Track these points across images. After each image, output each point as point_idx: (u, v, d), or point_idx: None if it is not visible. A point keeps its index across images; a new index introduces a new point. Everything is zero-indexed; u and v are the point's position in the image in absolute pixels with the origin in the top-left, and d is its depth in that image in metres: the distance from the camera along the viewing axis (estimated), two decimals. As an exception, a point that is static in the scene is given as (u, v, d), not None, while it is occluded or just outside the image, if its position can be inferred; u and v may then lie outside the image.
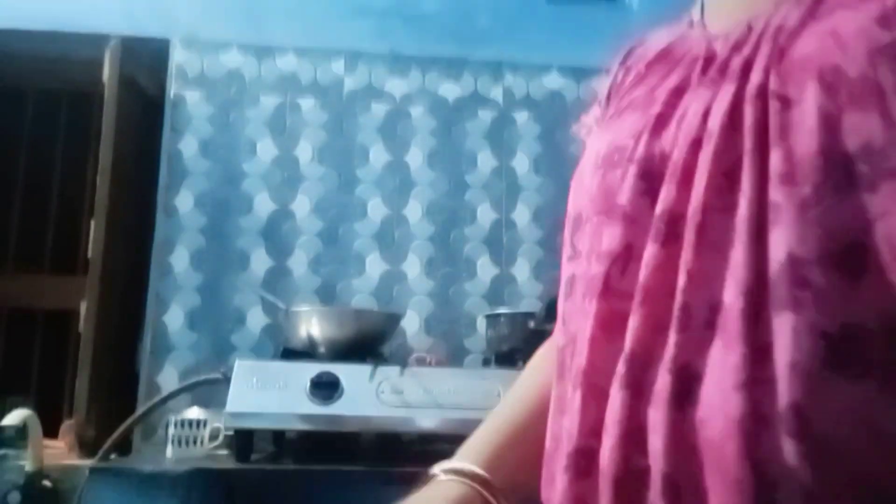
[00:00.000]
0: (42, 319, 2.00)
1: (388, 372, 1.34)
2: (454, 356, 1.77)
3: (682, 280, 0.38)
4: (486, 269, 1.83)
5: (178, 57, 1.87)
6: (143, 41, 1.86)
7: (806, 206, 0.35)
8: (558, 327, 0.52)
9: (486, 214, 1.87)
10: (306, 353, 1.46)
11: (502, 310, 1.66)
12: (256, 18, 1.93)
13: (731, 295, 0.36)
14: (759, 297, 0.35)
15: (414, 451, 1.37)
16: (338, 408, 1.28)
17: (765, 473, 0.32)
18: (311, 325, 1.45)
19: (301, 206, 1.83)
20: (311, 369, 1.32)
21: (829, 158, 0.35)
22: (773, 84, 0.39)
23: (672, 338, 0.38)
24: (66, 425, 1.52)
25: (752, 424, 0.33)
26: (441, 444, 1.31)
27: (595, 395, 0.41)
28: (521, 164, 1.91)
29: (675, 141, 0.43)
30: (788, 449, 0.32)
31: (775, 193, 0.36)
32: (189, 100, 1.85)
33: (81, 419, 1.53)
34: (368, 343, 1.49)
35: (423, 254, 1.83)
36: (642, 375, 0.39)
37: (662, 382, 0.37)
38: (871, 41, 0.35)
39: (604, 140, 0.51)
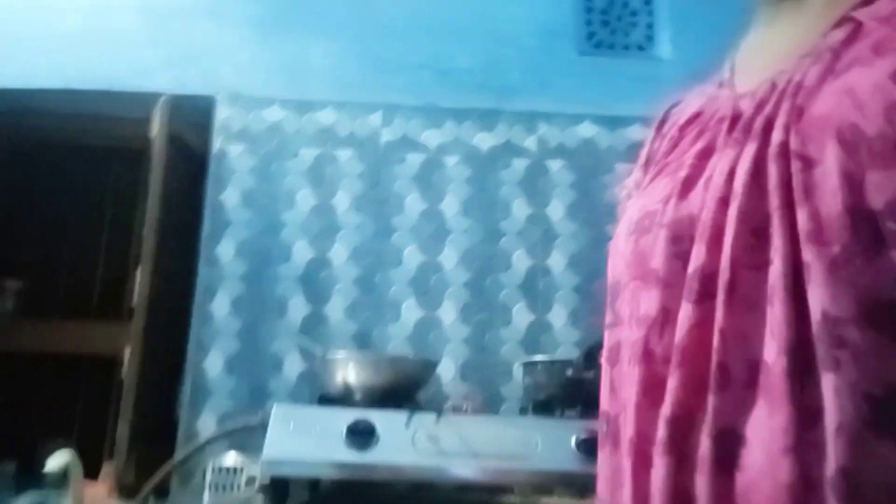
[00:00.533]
0: (88, 365, 2.05)
1: (424, 419, 1.34)
2: (490, 403, 1.75)
3: (716, 339, 0.38)
4: (521, 316, 1.83)
5: (223, 113, 1.95)
6: (190, 99, 1.95)
7: (836, 265, 0.34)
8: (607, 396, 0.50)
9: (521, 261, 1.88)
10: (342, 399, 1.46)
11: (539, 357, 1.65)
12: (297, 75, 2.01)
13: (773, 353, 0.35)
14: (803, 355, 0.34)
15: (450, 501, 1.35)
16: (373, 455, 1.28)
17: None
18: (348, 371, 1.46)
19: (338, 253, 1.86)
20: (347, 416, 1.32)
21: (855, 217, 0.34)
22: (793, 143, 0.39)
23: (711, 400, 0.37)
24: (107, 468, 1.54)
25: (802, 490, 0.32)
26: (477, 494, 1.29)
27: (644, 464, 0.40)
28: (556, 211, 1.92)
29: (703, 202, 0.43)
30: None
31: (805, 252, 0.36)
32: (232, 153, 1.92)
33: (121, 463, 1.55)
34: (404, 390, 1.49)
35: (458, 300, 1.84)
36: (684, 440, 0.38)
37: (704, 447, 0.37)
38: (886, 98, 0.35)
39: (636, 206, 0.51)
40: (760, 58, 0.51)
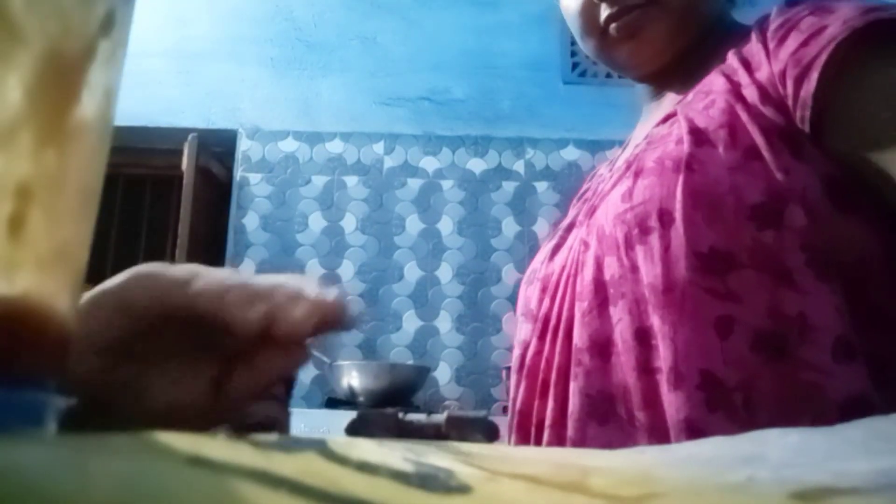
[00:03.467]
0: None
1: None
2: (482, 404, 1.96)
3: (543, 363, 0.59)
4: (510, 325, 2.03)
5: (243, 145, 2.19)
6: (214, 133, 2.19)
7: (584, 314, 0.54)
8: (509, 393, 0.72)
9: (510, 275, 2.08)
10: (347, 401, 1.69)
11: (522, 362, 1.85)
12: (309, 110, 2.24)
13: (555, 371, 0.57)
14: (565, 373, 0.55)
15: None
16: (371, 449, 1.50)
17: None
18: (352, 377, 1.69)
19: (346, 270, 2.09)
20: (349, 417, 1.54)
21: (596, 285, 0.54)
22: (583, 233, 0.58)
23: (536, 402, 0.58)
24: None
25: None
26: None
27: (524, 435, 0.62)
28: (543, 228, 2.12)
29: (560, 267, 0.62)
30: None
31: (575, 306, 0.56)
32: (252, 181, 2.16)
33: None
34: (400, 393, 1.71)
35: (453, 311, 2.05)
36: (526, 424, 0.59)
37: (534, 432, 0.58)
38: (616, 210, 0.53)
39: (534, 261, 0.71)
40: (630, 143, 0.69)
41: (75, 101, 0.13)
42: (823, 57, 0.45)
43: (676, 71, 0.60)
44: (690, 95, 0.56)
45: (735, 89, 0.51)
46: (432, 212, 2.14)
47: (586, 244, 0.57)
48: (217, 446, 0.12)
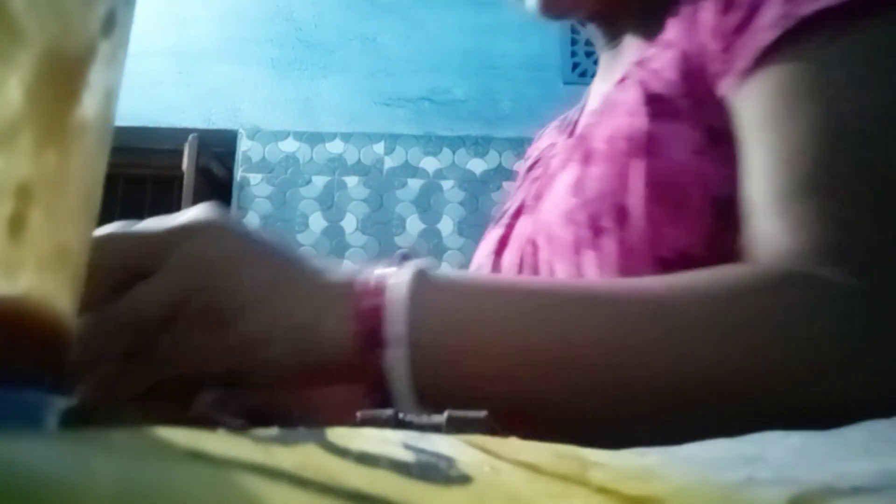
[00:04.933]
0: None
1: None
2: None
3: None
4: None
5: (244, 145, 2.19)
6: (215, 133, 2.20)
7: None
8: None
9: (510, 275, 2.08)
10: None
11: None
12: (309, 110, 2.24)
13: None
14: None
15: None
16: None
17: None
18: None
19: (347, 271, 2.08)
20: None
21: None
22: (531, 229, 0.48)
23: None
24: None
25: None
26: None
27: None
28: (542, 229, 2.13)
29: (508, 267, 0.50)
30: None
31: None
32: (252, 182, 2.16)
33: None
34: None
35: (453, 312, 2.05)
36: None
37: None
38: (565, 205, 0.43)
39: (478, 252, 0.59)
40: (588, 105, 0.55)
41: (76, 101, 0.13)
42: (739, 64, 0.37)
43: (627, 12, 0.50)
44: (652, 49, 0.45)
45: (692, 42, 0.41)
46: (433, 212, 2.14)
47: (535, 245, 0.47)
48: (217, 440, 0.12)
